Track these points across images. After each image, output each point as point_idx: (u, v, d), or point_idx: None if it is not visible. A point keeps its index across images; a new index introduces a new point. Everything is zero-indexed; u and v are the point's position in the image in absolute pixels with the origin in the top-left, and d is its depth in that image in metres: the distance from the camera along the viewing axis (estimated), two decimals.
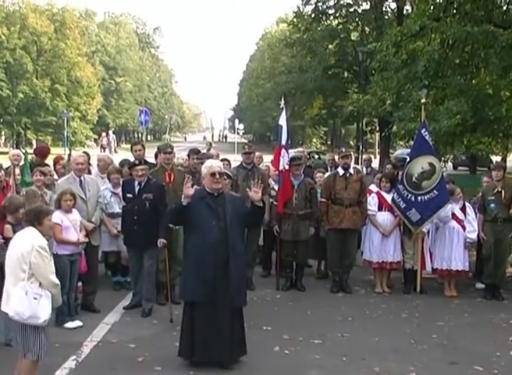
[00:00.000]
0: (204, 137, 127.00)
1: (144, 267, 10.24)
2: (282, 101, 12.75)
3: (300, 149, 14.88)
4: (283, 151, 12.04)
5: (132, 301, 10.54)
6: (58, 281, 6.80)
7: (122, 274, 11.77)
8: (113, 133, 64.48)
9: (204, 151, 15.86)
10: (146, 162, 11.00)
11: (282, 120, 12.31)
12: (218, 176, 8.02)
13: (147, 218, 10.07)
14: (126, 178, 11.08)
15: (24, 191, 10.32)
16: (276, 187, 12.48)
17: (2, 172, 10.67)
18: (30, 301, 6.52)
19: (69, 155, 13.05)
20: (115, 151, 53.34)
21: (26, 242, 6.67)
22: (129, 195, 10.34)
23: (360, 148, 45.63)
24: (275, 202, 12.33)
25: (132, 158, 11.50)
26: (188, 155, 12.77)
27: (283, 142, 12.14)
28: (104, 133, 56.96)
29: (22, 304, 6.52)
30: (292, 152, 13.90)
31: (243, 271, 8.21)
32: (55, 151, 39.92)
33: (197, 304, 7.90)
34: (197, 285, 7.82)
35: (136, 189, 10.24)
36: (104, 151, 49.03)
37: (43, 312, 6.57)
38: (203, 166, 8.42)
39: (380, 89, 23.39)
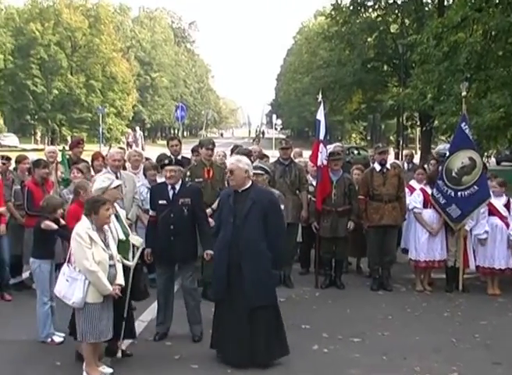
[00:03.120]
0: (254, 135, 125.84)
1: (183, 285, 9.20)
2: (320, 95, 12.72)
3: (339, 144, 14.82)
4: (321, 146, 11.99)
5: (158, 332, 9.08)
6: (94, 268, 7.16)
7: None
8: (141, 129, 64.39)
9: (249, 147, 15.71)
10: (181, 160, 10.78)
11: (320, 115, 12.26)
12: (229, 173, 8.22)
13: (186, 227, 8.91)
14: (156, 183, 10.52)
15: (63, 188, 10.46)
16: (315, 183, 12.47)
17: (46, 169, 10.80)
18: (64, 282, 7.33)
19: (109, 150, 13.19)
20: (143, 148, 53.39)
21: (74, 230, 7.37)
22: (161, 202, 9.00)
23: (401, 143, 45.47)
24: (313, 198, 12.33)
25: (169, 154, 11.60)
26: (231, 151, 12.79)
27: (321, 137, 12.10)
28: (129, 130, 57.12)
29: (59, 283, 7.41)
30: (330, 147, 13.85)
31: (259, 271, 7.88)
32: (91, 147, 40.32)
33: (217, 301, 8.21)
34: (214, 283, 8.23)
35: (171, 194, 9.01)
36: (131, 148, 49.00)
37: (72, 294, 7.25)
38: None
39: (421, 82, 23.27)
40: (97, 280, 7.18)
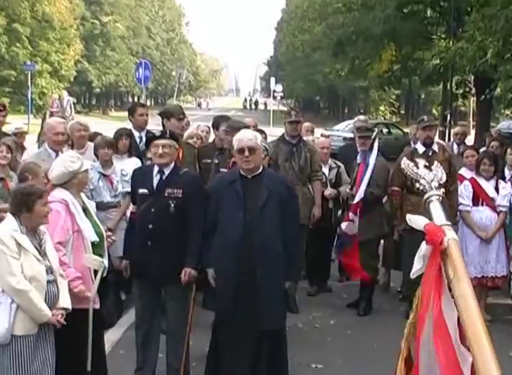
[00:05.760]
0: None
1: (168, 315, 8.75)
2: None
3: (362, 117, 14.87)
4: None
5: None
6: (23, 286, 6.82)
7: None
8: (70, 95, 63.86)
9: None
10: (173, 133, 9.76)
11: None
12: (247, 152, 8.07)
13: (171, 229, 8.39)
14: (140, 166, 10.04)
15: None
16: (326, 171, 12.50)
17: None
18: None
19: (43, 122, 13.07)
20: (72, 119, 53.29)
21: None
22: (142, 191, 8.60)
23: (448, 118, 45.44)
24: (325, 192, 12.37)
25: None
26: (214, 124, 12.67)
27: None
28: (55, 96, 56.73)
29: None
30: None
31: (277, 284, 8.12)
32: (15, 118, 40.23)
33: (220, 322, 8.24)
34: (218, 298, 8.21)
35: (156, 180, 8.54)
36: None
37: None
38: (233, 139, 8.52)
39: (479, 33, 23.27)
40: (29, 302, 6.85)
